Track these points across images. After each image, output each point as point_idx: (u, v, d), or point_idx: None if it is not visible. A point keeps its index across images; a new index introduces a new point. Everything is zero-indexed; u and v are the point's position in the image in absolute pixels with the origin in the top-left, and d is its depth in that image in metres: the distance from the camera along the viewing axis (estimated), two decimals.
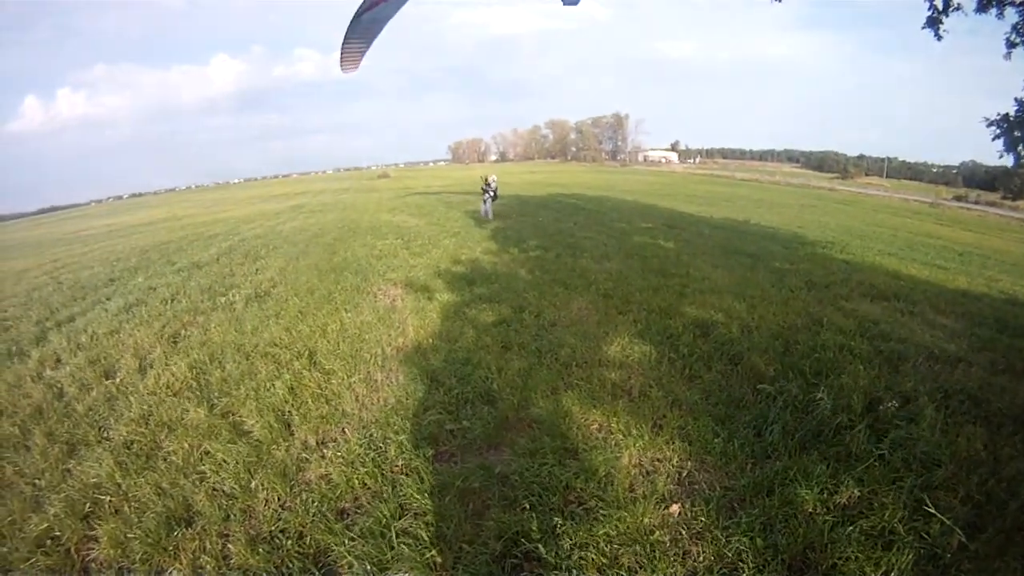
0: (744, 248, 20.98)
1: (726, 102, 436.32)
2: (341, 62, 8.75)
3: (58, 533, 5.34)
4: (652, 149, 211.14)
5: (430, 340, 9.61)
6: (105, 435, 7.09)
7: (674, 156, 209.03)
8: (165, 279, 16.95)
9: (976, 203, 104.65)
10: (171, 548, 5.00)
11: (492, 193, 28.80)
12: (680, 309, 11.06)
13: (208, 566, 4.77)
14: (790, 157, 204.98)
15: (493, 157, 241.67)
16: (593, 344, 9.07)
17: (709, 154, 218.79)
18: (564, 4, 8.80)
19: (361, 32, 8.29)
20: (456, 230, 24.09)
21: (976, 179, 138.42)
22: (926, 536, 4.58)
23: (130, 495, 5.77)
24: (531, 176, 39.20)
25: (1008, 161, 13.33)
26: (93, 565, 5.05)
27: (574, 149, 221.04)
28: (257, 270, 17.26)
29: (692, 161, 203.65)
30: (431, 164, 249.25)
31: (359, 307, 11.78)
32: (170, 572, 4.82)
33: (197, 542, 5.05)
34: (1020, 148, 12.91)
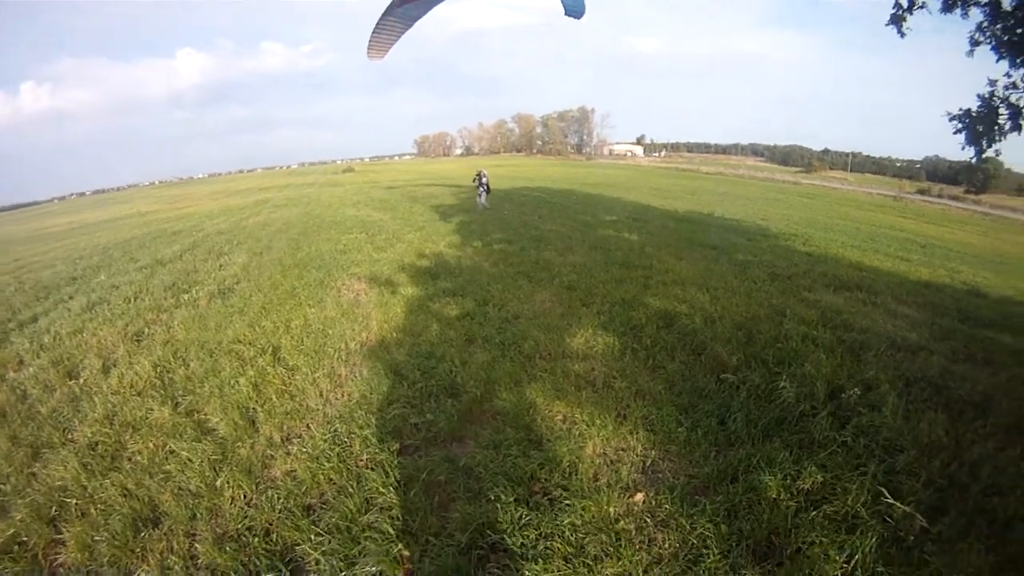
0: (708, 240, 21.13)
1: (693, 97, 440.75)
2: (368, 49, 8.86)
3: (25, 538, 5.31)
4: (617, 143, 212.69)
5: (394, 334, 9.64)
6: (70, 437, 7.06)
7: (639, 150, 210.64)
8: (128, 277, 16.81)
9: (939, 197, 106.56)
10: (138, 549, 5.00)
11: (485, 186, 30.52)
12: (644, 301, 11.17)
13: (176, 567, 4.76)
14: (755, 151, 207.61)
15: (459, 151, 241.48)
16: (557, 336, 9.15)
17: (674, 148, 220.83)
18: (566, 14, 8.83)
19: (392, 25, 8.37)
20: (420, 224, 24.20)
21: (939, 174, 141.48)
22: (889, 520, 4.67)
23: (96, 497, 5.74)
24: (496, 169, 39.25)
25: (969, 153, 13.61)
26: (61, 570, 5.03)
27: (540, 143, 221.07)
28: (221, 266, 17.18)
29: (657, 155, 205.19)
30: (396, 158, 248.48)
31: (323, 302, 11.79)
32: (138, 574, 4.81)
33: (164, 542, 5.04)
34: (983, 142, 13.21)
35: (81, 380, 8.72)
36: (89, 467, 6.24)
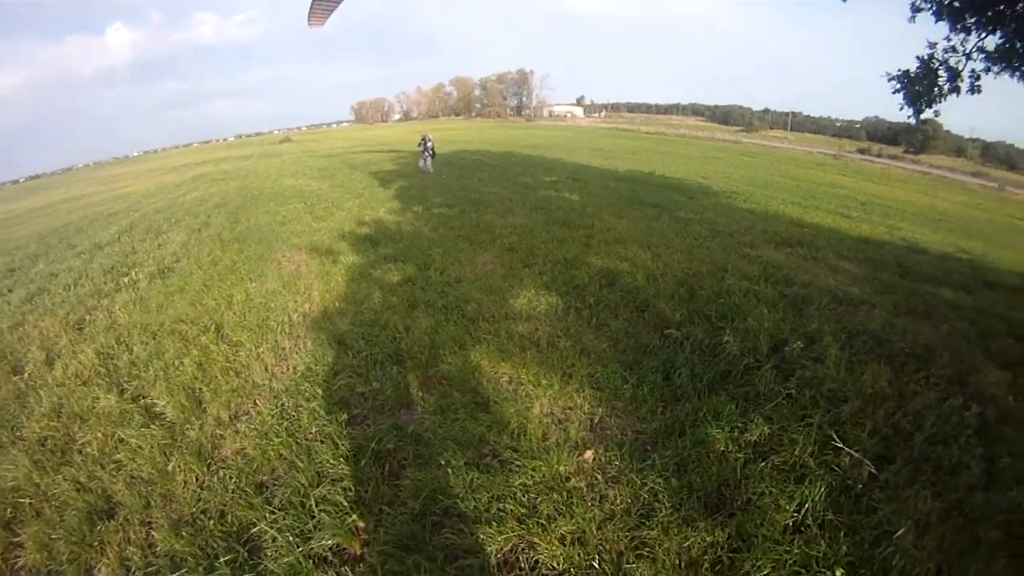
0: (649, 199, 21.47)
1: (634, 58, 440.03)
2: (309, 17, 8.82)
3: None
4: (557, 104, 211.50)
5: (336, 304, 9.66)
6: (18, 434, 6.94)
7: (579, 111, 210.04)
8: (67, 263, 16.41)
9: (879, 156, 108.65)
10: (96, 544, 4.98)
11: (430, 151, 31.61)
12: (586, 260, 11.30)
13: (135, 557, 4.75)
14: (695, 111, 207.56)
15: (397, 116, 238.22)
16: (499, 298, 9.24)
17: (615, 108, 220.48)
18: None
19: None
20: (360, 191, 24.06)
21: (879, 134, 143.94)
22: (837, 469, 4.82)
23: (49, 494, 5.70)
24: (435, 134, 38.71)
25: (907, 113, 14.09)
26: (22, 573, 5.00)
27: (479, 106, 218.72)
28: (159, 245, 16.87)
29: (598, 115, 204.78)
30: (335, 126, 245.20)
31: (264, 276, 11.73)
32: (98, 568, 4.81)
33: (121, 534, 5.03)
34: (921, 103, 13.65)
35: (25, 375, 8.55)
36: (40, 464, 6.16)
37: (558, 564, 4.19)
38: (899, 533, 4.11)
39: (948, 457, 5.02)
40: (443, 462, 5.27)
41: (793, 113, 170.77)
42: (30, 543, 5.11)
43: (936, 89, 13.52)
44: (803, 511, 4.39)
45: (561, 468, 5.10)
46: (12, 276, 16.42)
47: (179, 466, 5.76)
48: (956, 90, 13.34)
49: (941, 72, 13.40)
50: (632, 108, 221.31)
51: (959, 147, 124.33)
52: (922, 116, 14.30)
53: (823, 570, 3.93)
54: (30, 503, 5.64)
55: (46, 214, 40.74)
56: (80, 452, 6.37)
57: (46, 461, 6.22)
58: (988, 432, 5.50)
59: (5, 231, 33.84)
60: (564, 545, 4.29)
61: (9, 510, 5.61)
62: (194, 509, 5.19)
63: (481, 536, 4.42)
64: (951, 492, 4.64)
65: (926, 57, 13.45)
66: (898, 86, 13.93)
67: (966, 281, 12.72)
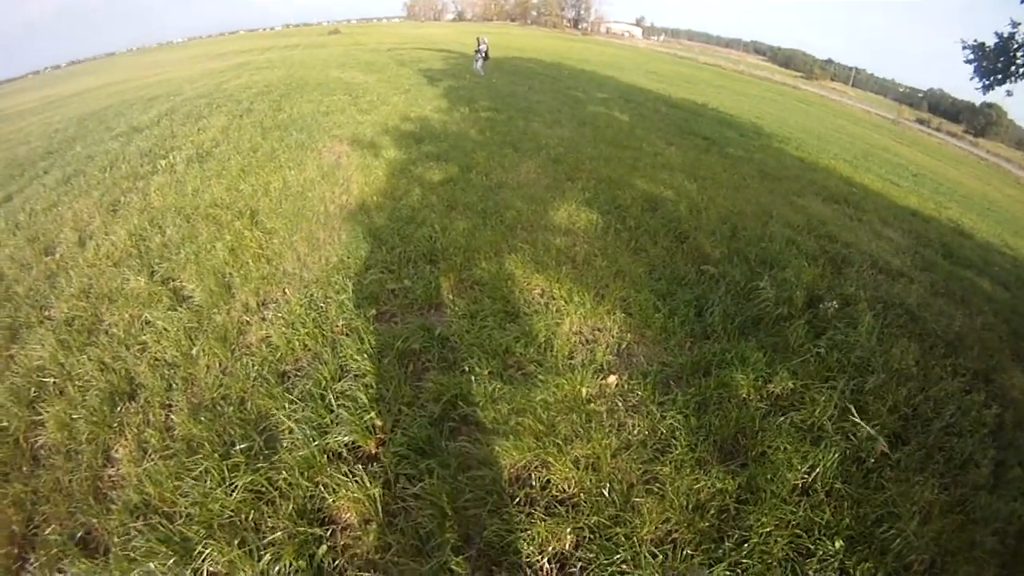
0: (700, 130, 20.87)
1: None
2: None
3: (5, 423, 5.31)
4: (615, 21, 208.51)
5: (374, 198, 9.54)
6: (46, 314, 6.99)
7: (638, 31, 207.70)
8: (104, 146, 16.28)
9: (937, 130, 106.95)
10: (115, 425, 5.02)
11: (483, 53, 31.76)
12: (630, 181, 11.10)
13: (153, 439, 4.77)
14: (757, 49, 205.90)
15: (450, 16, 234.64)
16: (540, 208, 9.10)
17: (674, 34, 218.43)
18: None
19: None
20: (407, 88, 23.53)
21: (941, 107, 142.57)
22: (853, 438, 4.74)
23: (73, 374, 5.74)
24: (489, 37, 37.60)
25: (975, 85, 13.85)
26: (42, 451, 5.04)
27: (535, 13, 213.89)
28: (199, 130, 16.60)
29: (656, 39, 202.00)
30: (385, 20, 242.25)
31: (303, 164, 11.61)
32: (115, 449, 4.84)
33: (141, 416, 5.07)
34: (992, 79, 13.37)
35: (57, 255, 8.60)
36: (66, 343, 6.22)
37: (569, 487, 4.16)
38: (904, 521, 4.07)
39: (961, 451, 4.98)
40: (467, 368, 5.23)
41: (857, 69, 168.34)
42: (51, 422, 5.17)
43: (1012, 68, 13.21)
44: (813, 475, 4.36)
45: (584, 389, 5.05)
46: (49, 158, 16.47)
47: (203, 350, 5.79)
48: None
49: (1019, 54, 13.07)
50: (692, 36, 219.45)
51: (1020, 139, 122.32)
52: (990, 95, 14.05)
53: (823, 538, 3.90)
54: (54, 382, 5.69)
55: (86, 98, 40.44)
56: (106, 333, 6.41)
57: (72, 341, 6.27)
58: (1004, 435, 5.43)
59: (45, 115, 33.76)
60: (577, 468, 4.25)
61: (33, 388, 5.66)
62: (215, 395, 5.22)
63: (496, 448, 4.39)
64: (958, 487, 4.61)
65: (1006, 35, 13.10)
66: (971, 56, 13.65)
67: (1007, 277, 12.30)
